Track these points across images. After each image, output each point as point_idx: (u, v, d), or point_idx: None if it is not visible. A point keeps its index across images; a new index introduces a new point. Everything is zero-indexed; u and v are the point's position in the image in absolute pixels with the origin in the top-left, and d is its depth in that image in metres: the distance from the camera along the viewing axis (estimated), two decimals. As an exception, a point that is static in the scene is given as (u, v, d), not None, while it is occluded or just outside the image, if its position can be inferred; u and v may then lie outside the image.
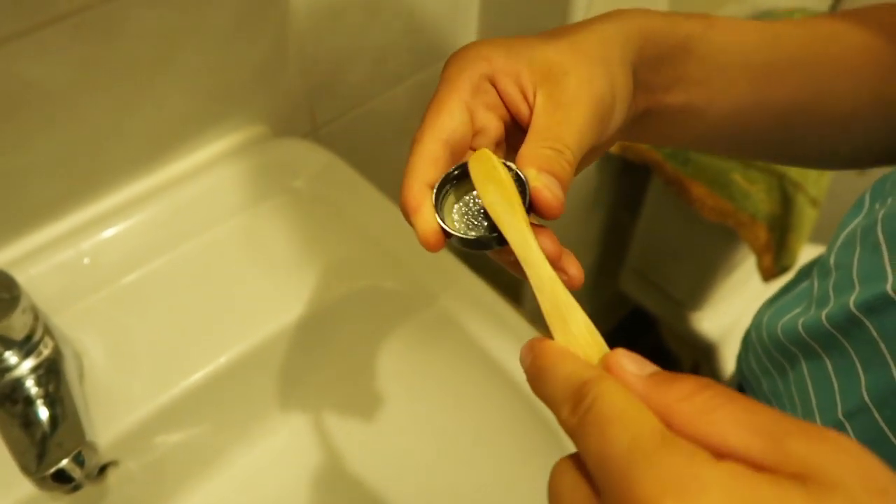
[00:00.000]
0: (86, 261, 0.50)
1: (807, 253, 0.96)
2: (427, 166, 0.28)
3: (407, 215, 0.28)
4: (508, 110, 0.30)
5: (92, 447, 0.38)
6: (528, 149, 0.27)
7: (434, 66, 0.72)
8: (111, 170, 0.52)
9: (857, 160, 0.41)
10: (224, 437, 0.52)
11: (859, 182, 1.28)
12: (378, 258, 0.53)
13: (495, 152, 0.30)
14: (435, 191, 0.28)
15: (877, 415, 0.30)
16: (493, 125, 0.30)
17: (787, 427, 0.17)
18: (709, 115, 0.36)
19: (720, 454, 0.17)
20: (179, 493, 0.51)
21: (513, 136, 0.31)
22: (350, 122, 0.67)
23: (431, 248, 0.27)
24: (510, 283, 1.04)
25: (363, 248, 0.54)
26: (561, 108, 0.28)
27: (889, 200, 0.35)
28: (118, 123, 0.50)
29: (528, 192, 0.26)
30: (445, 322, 0.52)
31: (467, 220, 0.28)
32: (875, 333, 0.31)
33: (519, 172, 0.27)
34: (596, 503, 0.19)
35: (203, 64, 0.52)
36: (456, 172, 0.28)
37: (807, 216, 0.87)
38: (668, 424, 0.19)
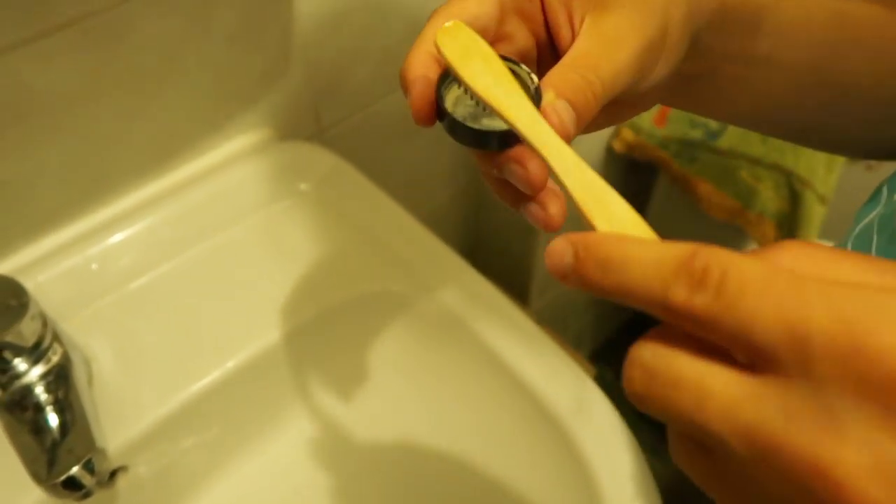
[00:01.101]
0: (94, 266, 0.50)
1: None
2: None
3: (403, 84, 0.25)
4: (548, 30, 0.28)
5: (102, 453, 0.38)
6: (556, 70, 0.25)
7: (439, 68, 0.71)
8: (118, 175, 0.52)
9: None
10: (233, 441, 0.52)
11: (867, 178, 1.27)
12: (385, 261, 0.53)
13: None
14: (441, 74, 0.25)
15: None
16: (522, 37, 0.27)
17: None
18: (764, 91, 0.34)
19: None
20: (189, 498, 0.51)
21: (545, 60, 0.28)
22: (355, 124, 0.67)
23: (421, 121, 0.25)
24: (517, 283, 1.04)
25: (370, 251, 0.54)
26: (604, 40, 0.26)
27: None
28: (124, 129, 0.50)
29: (537, 100, 0.23)
30: (453, 325, 0.51)
31: (472, 112, 0.25)
32: None
33: (526, 71, 0.24)
34: (751, 380, 0.16)
35: (208, 68, 0.52)
36: None
37: (815, 213, 0.87)
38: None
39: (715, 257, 0.16)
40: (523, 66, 0.25)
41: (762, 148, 0.86)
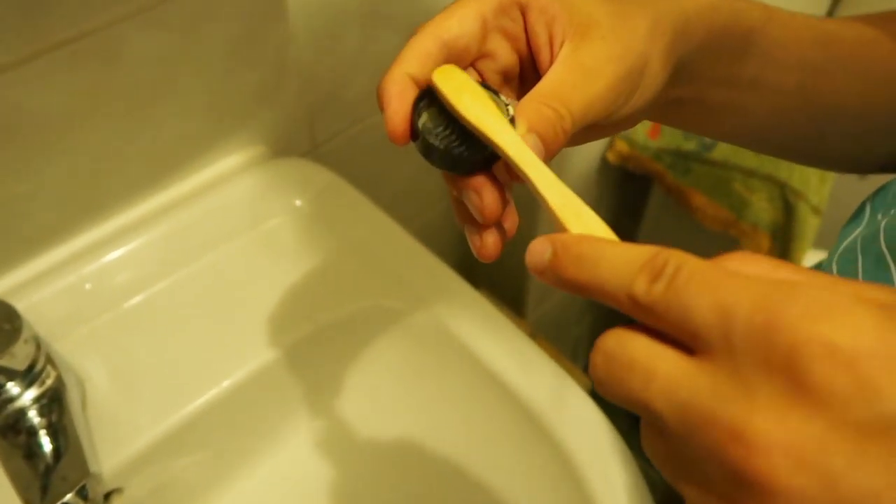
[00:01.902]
0: (87, 286, 0.50)
1: (809, 260, 0.96)
2: (415, 59, 0.26)
3: (380, 100, 0.26)
4: (530, 48, 0.28)
5: (96, 479, 0.37)
6: (530, 99, 0.25)
7: (433, 82, 0.71)
8: (111, 194, 0.52)
9: (890, 165, 0.40)
10: (230, 460, 0.52)
11: (860, 188, 1.28)
12: (380, 277, 0.53)
13: (501, 86, 0.29)
14: (419, 95, 0.26)
15: None
16: (504, 54, 0.28)
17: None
18: (751, 112, 0.35)
19: None
20: (185, 519, 0.50)
21: (528, 78, 0.29)
22: (349, 139, 0.67)
23: (397, 139, 0.26)
24: (513, 295, 1.04)
25: (365, 267, 0.54)
26: (581, 69, 0.26)
27: (893, 211, 0.34)
28: (118, 148, 0.50)
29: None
30: (448, 340, 0.51)
31: (446, 134, 0.26)
32: None
33: (504, 101, 0.25)
34: (689, 362, 0.17)
35: (202, 86, 0.51)
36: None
37: (809, 224, 0.87)
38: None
39: (673, 256, 0.18)
40: (501, 97, 0.26)
41: (756, 159, 0.87)
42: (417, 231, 0.57)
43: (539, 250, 0.21)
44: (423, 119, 0.26)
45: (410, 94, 0.26)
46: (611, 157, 0.93)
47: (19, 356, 0.38)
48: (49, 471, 0.36)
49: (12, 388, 0.39)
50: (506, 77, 0.29)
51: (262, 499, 0.52)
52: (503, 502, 0.50)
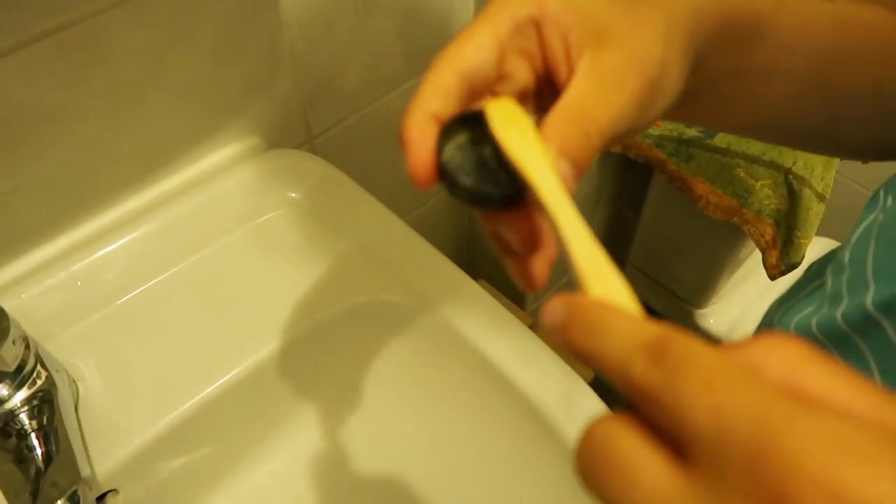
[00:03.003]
0: (78, 283, 0.48)
1: (814, 247, 0.95)
2: (436, 96, 0.25)
3: (401, 143, 0.25)
4: (546, 64, 0.27)
5: (87, 484, 0.36)
6: (555, 120, 0.25)
7: (430, 70, 0.70)
8: (102, 189, 0.51)
9: None
10: (226, 458, 0.51)
11: (866, 174, 1.27)
12: (378, 270, 0.52)
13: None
14: (442, 131, 0.25)
15: None
16: (522, 74, 0.27)
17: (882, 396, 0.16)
18: (764, 100, 0.34)
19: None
20: (182, 519, 0.50)
21: (544, 93, 0.28)
22: (345, 130, 0.66)
23: (420, 183, 0.25)
24: (512, 286, 1.03)
25: (363, 260, 0.53)
26: (603, 82, 0.25)
27: None
28: (108, 141, 0.48)
29: None
30: (449, 333, 0.51)
31: (474, 170, 0.25)
32: (892, 334, 0.30)
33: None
34: (677, 468, 0.16)
35: (194, 77, 0.50)
36: (469, 116, 0.25)
37: (813, 211, 0.86)
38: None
39: (681, 341, 0.17)
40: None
41: (759, 145, 0.85)
42: (415, 223, 0.56)
43: (552, 309, 0.20)
44: (448, 156, 0.25)
45: (432, 134, 0.25)
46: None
47: (8, 357, 0.37)
48: (39, 475, 0.35)
49: (1, 389, 0.38)
50: (523, 96, 0.28)
51: (260, 496, 0.52)
52: (506, 497, 0.50)
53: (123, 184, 0.52)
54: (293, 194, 0.56)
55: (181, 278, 0.51)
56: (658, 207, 1.04)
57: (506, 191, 0.24)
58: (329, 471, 0.53)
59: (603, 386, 0.50)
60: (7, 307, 0.39)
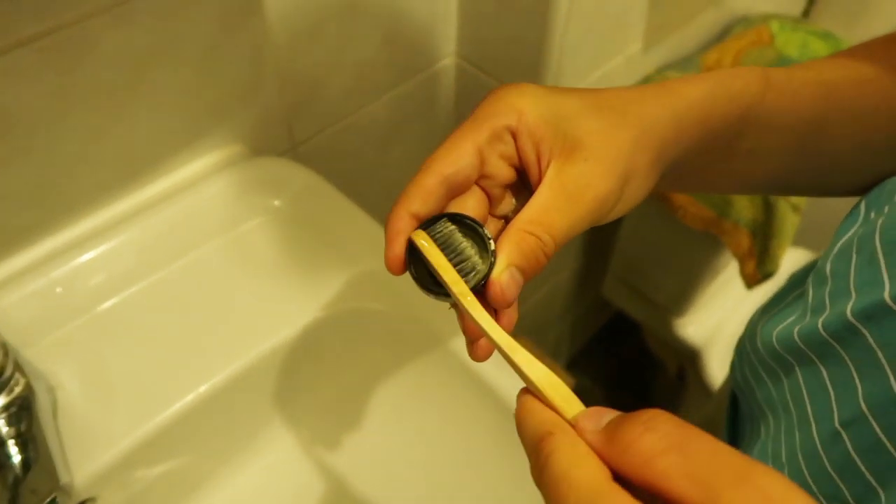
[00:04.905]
0: (58, 290, 0.48)
1: (789, 257, 0.96)
2: (417, 196, 0.29)
3: (385, 234, 0.30)
4: (522, 165, 0.30)
5: (66, 491, 0.36)
6: (514, 227, 0.28)
7: (413, 80, 0.71)
8: (84, 194, 0.51)
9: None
10: (207, 466, 0.51)
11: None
12: (361, 278, 0.52)
13: (502, 197, 0.32)
14: (419, 228, 0.29)
15: (874, 424, 0.30)
16: (503, 173, 0.30)
17: (724, 477, 0.18)
18: (749, 174, 0.36)
19: (666, 500, 0.19)
20: (161, 527, 0.49)
21: (526, 183, 0.31)
22: (329, 138, 0.66)
23: (392, 271, 0.29)
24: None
25: (345, 268, 0.53)
26: (564, 195, 0.28)
27: (887, 209, 0.34)
28: (91, 147, 0.48)
29: (492, 264, 0.28)
30: (431, 341, 0.51)
31: (425, 271, 0.29)
32: (872, 342, 0.31)
33: (487, 236, 0.28)
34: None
35: (177, 84, 0.50)
36: (437, 219, 0.29)
37: (789, 222, 0.88)
38: (621, 473, 0.20)
39: (548, 441, 0.23)
40: (485, 230, 0.29)
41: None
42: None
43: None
44: (412, 254, 0.29)
45: (406, 232, 0.29)
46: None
47: (-14, 364, 0.37)
48: (18, 483, 0.35)
49: (-21, 396, 0.37)
50: (507, 186, 0.31)
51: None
52: (487, 495, 0.50)
53: (105, 190, 0.52)
54: (276, 202, 0.56)
55: (162, 286, 0.50)
56: (639, 217, 1.05)
57: (449, 294, 0.29)
58: (310, 478, 0.53)
59: (585, 392, 0.51)
60: (-15, 314, 0.39)
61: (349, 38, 0.61)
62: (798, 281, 0.46)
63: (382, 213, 0.58)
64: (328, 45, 0.59)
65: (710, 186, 0.38)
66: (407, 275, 0.29)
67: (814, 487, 0.33)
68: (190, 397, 0.46)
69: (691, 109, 0.32)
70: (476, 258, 0.29)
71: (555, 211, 0.28)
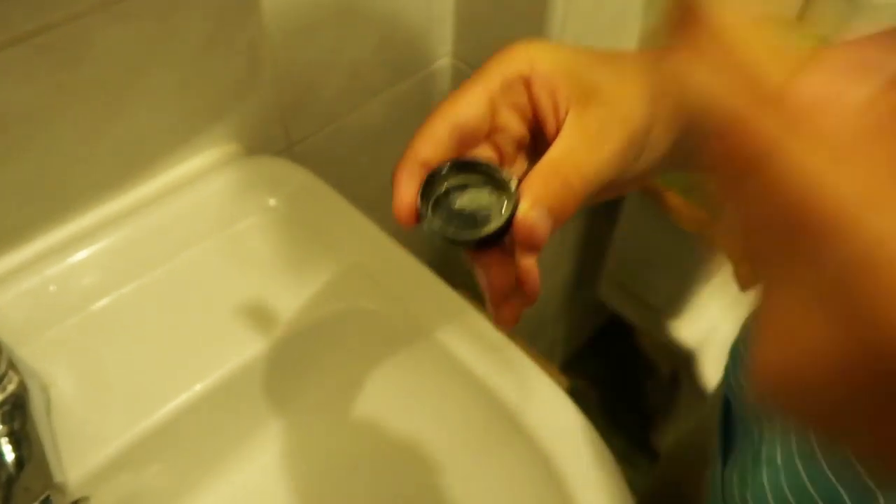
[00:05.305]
0: (52, 288, 0.48)
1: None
2: (426, 143, 0.28)
3: (392, 183, 0.28)
4: (537, 118, 0.29)
5: (60, 490, 0.36)
6: (538, 173, 0.26)
7: (409, 80, 0.71)
8: (79, 192, 0.50)
9: None
10: (202, 467, 0.51)
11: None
12: (357, 278, 0.52)
13: (514, 158, 0.30)
14: (429, 176, 0.27)
15: None
16: (515, 126, 0.29)
17: None
18: None
19: None
20: (155, 527, 0.49)
21: (539, 144, 0.29)
22: (325, 138, 0.66)
23: (402, 221, 0.28)
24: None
25: (341, 268, 0.53)
26: (588, 135, 0.27)
27: None
28: (86, 145, 0.48)
29: (514, 210, 0.26)
30: (427, 342, 0.51)
31: (446, 215, 0.27)
32: None
33: (506, 178, 0.26)
34: None
35: (173, 82, 0.50)
36: (457, 163, 0.27)
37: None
38: None
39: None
40: (504, 171, 0.27)
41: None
42: (394, 231, 0.57)
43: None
44: (431, 201, 0.27)
45: (417, 179, 0.27)
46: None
47: (-21, 362, 0.37)
48: (11, 481, 0.35)
49: (-28, 394, 0.37)
50: (519, 145, 0.30)
51: (235, 505, 0.51)
52: (483, 494, 0.50)
53: (100, 188, 0.51)
54: (272, 201, 0.56)
55: (156, 285, 0.50)
56: (633, 219, 1.05)
57: (479, 234, 0.26)
58: (305, 478, 0.53)
59: (579, 394, 0.51)
60: (-21, 311, 0.38)
61: (345, 38, 0.61)
62: None
63: (378, 212, 0.58)
64: (324, 44, 0.59)
65: None
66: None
67: (811, 490, 0.33)
68: (184, 397, 0.45)
69: None
70: (497, 203, 0.26)
71: (578, 154, 0.26)
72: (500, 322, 0.28)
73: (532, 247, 0.26)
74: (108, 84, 0.46)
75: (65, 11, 0.41)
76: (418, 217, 0.27)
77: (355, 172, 0.72)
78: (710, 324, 1.17)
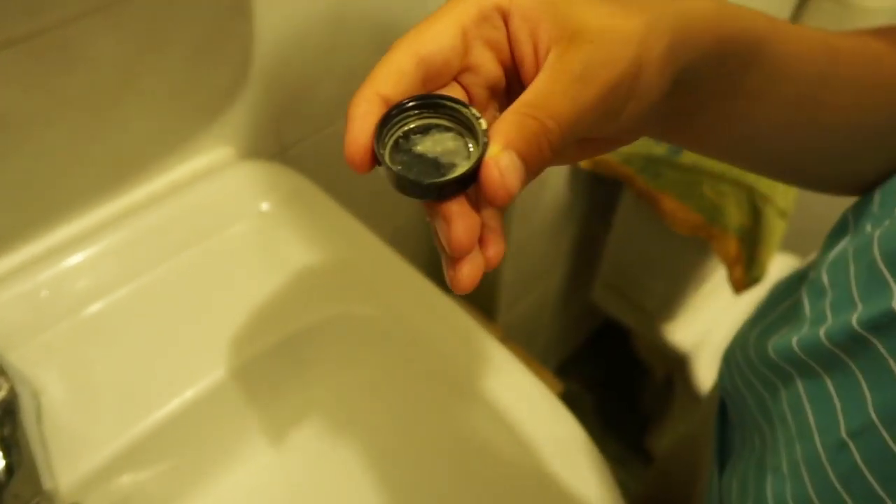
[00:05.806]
0: (44, 293, 0.48)
1: (776, 264, 0.97)
2: (387, 76, 0.24)
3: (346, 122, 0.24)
4: (514, 58, 0.26)
5: (50, 496, 0.36)
6: (511, 116, 0.23)
7: (403, 84, 0.71)
8: (70, 197, 0.50)
9: (871, 186, 0.38)
10: (193, 473, 0.50)
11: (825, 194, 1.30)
12: (349, 283, 0.52)
13: (488, 101, 0.27)
14: (386, 114, 0.24)
15: (885, 433, 0.29)
16: (488, 66, 0.26)
17: None
18: (753, 124, 0.33)
19: None
20: (146, 533, 0.49)
21: (514, 89, 0.26)
22: (317, 142, 0.66)
23: (354, 166, 0.24)
24: (484, 298, 1.03)
25: (334, 272, 0.53)
26: (569, 77, 0.23)
27: (887, 222, 0.34)
28: (78, 149, 0.48)
29: (482, 155, 0.22)
30: (419, 346, 0.51)
31: (406, 159, 0.24)
32: (883, 351, 0.30)
33: (475, 115, 0.23)
34: None
35: (166, 87, 0.50)
36: (419, 101, 0.24)
37: (776, 228, 0.88)
38: None
39: None
40: (472, 109, 0.24)
41: (723, 164, 0.87)
42: (388, 236, 0.57)
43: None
44: (390, 143, 0.24)
45: (374, 116, 0.24)
46: (581, 161, 0.93)
47: (-31, 368, 0.36)
48: (1, 488, 0.34)
49: (-39, 401, 0.37)
50: (492, 91, 0.27)
51: (228, 511, 0.51)
52: (476, 498, 0.50)
53: (92, 193, 0.51)
54: (264, 206, 0.56)
55: (149, 289, 0.50)
56: (627, 223, 1.05)
57: (441, 179, 0.23)
58: (298, 483, 0.53)
59: (572, 398, 0.51)
60: (-31, 317, 0.38)
61: (338, 44, 0.61)
62: (784, 291, 0.46)
63: (371, 218, 0.58)
64: (317, 50, 0.59)
65: (710, 132, 0.33)
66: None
67: (817, 500, 0.32)
68: (175, 402, 0.45)
69: (703, 17, 0.27)
70: (463, 148, 0.23)
71: (560, 94, 0.23)
72: (456, 283, 0.24)
73: (500, 197, 0.22)
74: (100, 89, 0.46)
75: (57, 16, 0.41)
76: (374, 160, 0.24)
77: (348, 177, 0.72)
78: (704, 327, 1.17)
